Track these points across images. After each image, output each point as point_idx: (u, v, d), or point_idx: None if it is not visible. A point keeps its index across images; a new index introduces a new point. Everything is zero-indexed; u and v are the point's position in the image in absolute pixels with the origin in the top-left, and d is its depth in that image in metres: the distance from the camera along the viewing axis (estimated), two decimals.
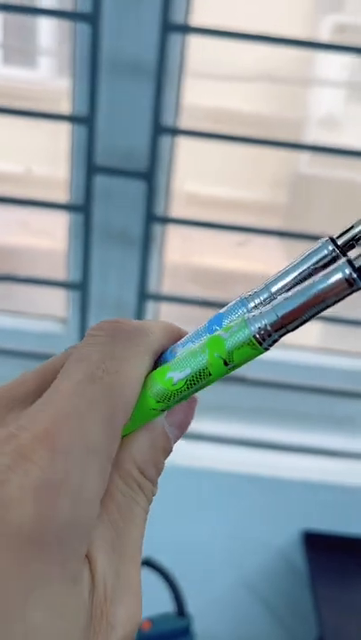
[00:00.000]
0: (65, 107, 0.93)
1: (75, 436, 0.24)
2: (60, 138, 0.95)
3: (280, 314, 0.25)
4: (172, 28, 0.84)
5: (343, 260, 0.25)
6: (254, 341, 0.26)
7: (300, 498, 1.13)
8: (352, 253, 0.26)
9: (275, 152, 0.95)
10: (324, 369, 1.11)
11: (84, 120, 0.89)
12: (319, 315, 0.26)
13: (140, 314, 1.02)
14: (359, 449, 1.15)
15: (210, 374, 0.27)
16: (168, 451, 0.29)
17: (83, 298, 1.02)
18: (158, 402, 0.27)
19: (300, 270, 0.27)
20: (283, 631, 1.23)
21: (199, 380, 0.27)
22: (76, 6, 0.85)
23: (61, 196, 0.99)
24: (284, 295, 0.26)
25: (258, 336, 0.26)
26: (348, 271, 0.24)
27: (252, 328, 0.26)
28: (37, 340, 1.08)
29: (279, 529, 1.16)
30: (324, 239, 0.27)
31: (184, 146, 0.96)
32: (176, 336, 0.30)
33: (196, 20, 0.87)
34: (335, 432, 1.17)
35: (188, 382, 0.27)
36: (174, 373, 0.27)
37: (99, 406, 0.25)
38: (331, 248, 0.26)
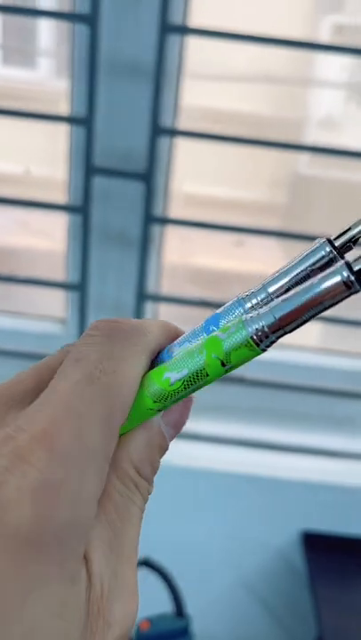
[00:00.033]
0: (64, 107, 0.93)
1: (73, 437, 0.24)
2: (58, 139, 0.95)
3: (278, 315, 0.25)
4: (171, 29, 0.84)
5: (341, 262, 0.25)
6: (252, 343, 0.26)
7: (299, 498, 1.13)
8: (350, 255, 0.27)
9: (274, 152, 0.96)
10: (324, 369, 1.11)
11: (83, 121, 0.89)
12: (318, 316, 0.26)
13: (138, 314, 1.02)
14: (359, 449, 1.15)
15: (207, 375, 0.27)
16: (164, 449, 0.29)
17: (82, 298, 1.02)
18: (155, 402, 0.27)
19: (298, 271, 0.27)
20: (282, 631, 1.23)
21: (196, 381, 0.27)
22: (75, 7, 0.85)
23: (60, 196, 0.99)
24: (282, 297, 0.26)
25: (255, 337, 0.26)
26: (346, 274, 0.24)
27: (250, 329, 0.26)
28: (36, 341, 1.08)
29: (278, 529, 1.16)
30: (321, 240, 0.27)
31: (183, 146, 0.96)
32: (173, 335, 0.30)
33: (195, 20, 0.87)
34: (335, 432, 1.17)
35: (186, 383, 0.27)
36: (171, 374, 0.27)
37: (96, 407, 0.25)
38: (328, 249, 0.26)
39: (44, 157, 1.07)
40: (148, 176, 0.92)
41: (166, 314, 1.08)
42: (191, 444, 1.13)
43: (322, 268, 0.26)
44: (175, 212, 1.01)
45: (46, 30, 1.00)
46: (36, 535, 0.22)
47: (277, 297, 0.27)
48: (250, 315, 0.26)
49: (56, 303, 1.09)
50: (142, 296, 1.01)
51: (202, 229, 0.98)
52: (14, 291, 1.15)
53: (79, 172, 0.94)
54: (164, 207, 0.99)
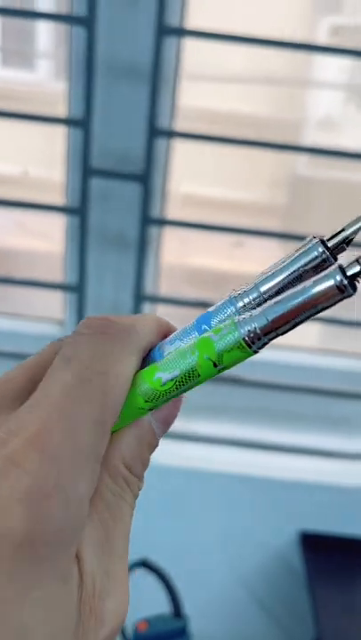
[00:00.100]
0: (62, 109, 0.94)
1: (64, 439, 0.24)
2: (56, 140, 0.95)
3: (270, 318, 0.25)
4: (168, 31, 0.84)
5: (335, 266, 0.25)
6: (244, 344, 0.26)
7: (297, 498, 1.13)
8: (342, 257, 0.27)
9: (273, 153, 0.96)
10: (320, 369, 1.11)
11: (80, 123, 0.89)
12: (311, 318, 0.26)
13: None
14: (356, 449, 1.15)
15: (199, 375, 0.27)
16: (154, 446, 0.29)
17: (79, 300, 1.02)
18: (146, 401, 0.27)
19: (290, 271, 0.27)
20: (280, 632, 1.23)
21: (188, 381, 0.27)
22: (72, 9, 0.86)
23: (58, 198, 0.99)
24: (275, 299, 0.26)
25: (247, 339, 0.26)
26: (339, 278, 0.24)
27: (242, 331, 0.26)
28: (34, 342, 1.08)
29: (276, 530, 1.16)
30: (314, 240, 0.27)
31: (181, 147, 0.96)
32: (165, 331, 0.30)
33: (193, 20, 0.87)
34: (331, 433, 1.17)
35: (177, 383, 0.27)
36: (163, 374, 0.27)
37: (88, 408, 0.25)
38: (321, 250, 0.26)
39: (41, 159, 1.07)
40: (146, 177, 0.92)
41: (164, 315, 1.07)
42: (188, 445, 1.13)
43: (315, 269, 0.26)
44: (173, 213, 1.01)
45: (45, 32, 1.00)
46: (29, 538, 0.22)
47: (269, 297, 0.27)
48: (242, 316, 0.26)
49: (54, 304, 1.10)
50: (140, 297, 1.01)
51: (200, 230, 0.98)
52: (12, 292, 1.15)
53: (77, 174, 0.94)
54: (161, 208, 0.99)
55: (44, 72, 1.06)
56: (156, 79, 0.86)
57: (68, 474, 0.23)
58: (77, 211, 0.95)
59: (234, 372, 1.08)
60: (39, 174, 1.09)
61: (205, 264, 1.15)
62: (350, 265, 0.25)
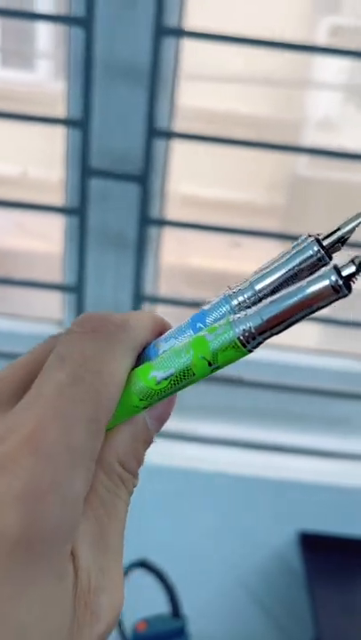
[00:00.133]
0: (62, 109, 0.94)
1: (59, 438, 0.24)
2: (55, 140, 0.95)
3: (265, 317, 0.26)
4: (166, 31, 0.84)
5: (330, 266, 0.25)
6: (239, 344, 0.26)
7: (296, 498, 1.13)
8: (337, 257, 0.27)
9: (272, 154, 0.96)
10: (319, 370, 1.11)
11: (79, 123, 0.89)
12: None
13: None
14: (355, 450, 1.15)
15: (194, 374, 0.27)
16: (149, 443, 0.29)
17: (79, 300, 1.02)
18: (141, 400, 0.27)
19: (286, 270, 0.27)
20: (279, 632, 1.23)
21: (183, 380, 0.27)
22: (71, 10, 0.86)
23: (57, 198, 0.99)
24: (270, 298, 0.26)
25: (242, 338, 0.26)
26: (334, 278, 0.25)
27: (237, 330, 0.26)
28: (33, 343, 1.07)
29: (275, 530, 1.16)
30: (309, 239, 0.27)
31: (180, 148, 0.96)
32: (160, 328, 0.30)
33: (192, 20, 0.87)
34: (331, 433, 1.17)
35: (172, 382, 0.27)
36: (158, 373, 0.27)
37: (82, 407, 0.25)
38: (316, 249, 0.26)
39: (41, 159, 1.07)
40: (145, 178, 0.93)
41: (163, 315, 1.08)
42: (188, 445, 1.13)
43: (310, 267, 0.26)
44: (172, 213, 1.01)
45: (45, 32, 1.00)
46: (25, 537, 0.22)
47: (264, 295, 0.27)
48: (237, 315, 0.26)
49: (53, 305, 1.09)
50: (139, 298, 1.01)
51: (198, 231, 0.98)
52: (11, 293, 1.15)
53: (76, 174, 0.94)
54: (160, 209, 0.99)
55: (43, 72, 1.06)
56: (155, 79, 0.86)
57: (63, 472, 0.24)
58: (76, 211, 0.95)
59: (234, 372, 1.08)
60: (38, 175, 1.09)
61: (204, 264, 1.15)
62: (345, 265, 0.25)
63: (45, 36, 1.01)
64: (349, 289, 0.25)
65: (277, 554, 1.17)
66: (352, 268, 0.25)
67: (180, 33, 0.85)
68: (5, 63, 1.06)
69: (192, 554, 1.18)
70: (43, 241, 1.15)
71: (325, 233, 0.27)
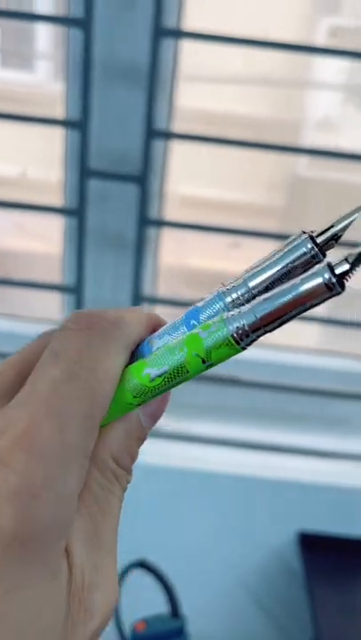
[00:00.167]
0: (62, 110, 0.94)
1: (53, 436, 0.24)
2: (55, 141, 0.95)
3: (259, 315, 0.26)
4: (165, 32, 0.84)
5: (323, 264, 0.25)
6: (232, 341, 0.26)
7: (296, 499, 1.13)
8: (331, 254, 0.27)
9: (272, 154, 0.96)
10: (318, 370, 1.11)
11: (78, 124, 0.89)
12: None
13: None
14: (354, 450, 1.15)
15: (187, 372, 0.27)
16: (142, 440, 0.29)
17: (78, 301, 1.02)
18: (135, 397, 0.27)
19: (279, 267, 0.27)
20: (278, 632, 1.23)
21: (176, 377, 0.27)
22: (69, 11, 0.86)
23: (56, 199, 0.99)
24: (264, 295, 0.26)
25: (236, 336, 0.26)
26: (327, 276, 0.25)
27: (231, 328, 0.26)
28: None
29: (275, 530, 1.16)
30: (303, 236, 0.27)
31: (179, 148, 0.96)
32: (154, 324, 0.30)
33: (191, 20, 0.87)
34: (330, 433, 1.17)
35: (166, 379, 0.27)
36: (152, 370, 0.27)
37: (76, 404, 0.25)
38: (310, 246, 0.26)
39: (40, 160, 1.07)
40: (144, 178, 0.93)
41: (162, 316, 1.08)
42: (187, 446, 1.13)
43: (304, 265, 0.26)
44: (171, 214, 1.01)
45: (44, 33, 1.01)
46: (18, 538, 0.22)
47: (258, 293, 0.27)
48: (231, 313, 0.26)
49: (52, 305, 1.10)
50: (138, 298, 1.01)
51: (197, 231, 0.98)
52: (10, 293, 1.15)
53: (74, 175, 0.95)
54: (159, 209, 0.99)
55: (42, 73, 1.06)
56: (154, 80, 0.86)
57: (56, 471, 0.24)
58: (75, 212, 0.95)
59: (232, 372, 1.08)
60: (37, 175, 1.09)
61: (203, 265, 1.15)
62: (339, 263, 0.25)
63: (44, 37, 1.01)
64: (343, 287, 0.25)
65: (277, 554, 1.17)
66: (346, 266, 0.25)
67: (178, 34, 0.85)
68: (5, 64, 1.06)
69: (191, 554, 1.18)
70: (42, 241, 1.15)
71: (319, 230, 0.27)
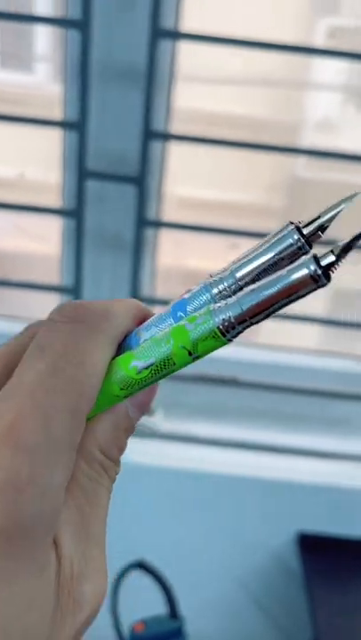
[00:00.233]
0: (60, 112, 0.94)
1: (39, 430, 0.24)
2: (53, 142, 0.96)
3: (245, 307, 0.26)
4: (163, 33, 0.84)
5: (309, 255, 0.25)
6: (218, 333, 0.26)
7: (295, 499, 1.13)
8: (318, 245, 0.27)
9: (271, 155, 0.96)
10: (318, 371, 1.11)
11: (76, 125, 0.89)
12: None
13: None
14: (354, 450, 1.15)
15: (174, 364, 0.27)
16: (130, 431, 0.29)
17: None
18: (122, 389, 0.27)
19: (266, 258, 0.27)
20: (277, 632, 1.22)
21: (163, 369, 0.27)
22: (67, 13, 0.86)
23: (54, 200, 1.00)
24: (250, 287, 0.26)
25: (222, 327, 0.26)
26: (313, 267, 0.25)
27: (217, 320, 0.26)
28: None
29: (274, 530, 1.16)
30: (290, 227, 0.27)
31: (177, 149, 0.96)
32: (141, 315, 0.30)
33: (189, 21, 0.87)
34: (330, 434, 1.17)
35: (153, 371, 0.27)
36: (139, 362, 0.27)
37: (63, 397, 0.25)
38: (296, 237, 0.26)
39: (38, 161, 1.07)
40: (142, 179, 0.93)
41: None
42: (186, 446, 1.13)
43: (291, 255, 0.26)
44: (169, 215, 1.01)
45: (43, 35, 1.01)
46: (4, 534, 0.22)
47: (245, 284, 0.27)
48: (217, 305, 0.26)
49: (50, 306, 1.09)
50: (136, 299, 1.01)
51: (196, 232, 0.98)
52: (8, 294, 1.15)
53: (73, 176, 0.95)
54: (157, 210, 0.99)
55: (41, 75, 1.06)
56: (152, 81, 0.86)
57: (42, 465, 0.23)
58: (73, 213, 0.96)
59: (232, 373, 1.08)
60: (36, 176, 1.09)
61: (201, 266, 1.15)
62: (325, 255, 0.25)
63: (43, 38, 1.02)
64: (328, 278, 0.25)
65: (276, 554, 1.17)
66: (331, 258, 0.25)
67: (176, 35, 0.86)
68: (3, 65, 1.06)
69: (189, 555, 1.17)
70: (40, 243, 1.15)
71: (306, 221, 0.27)
